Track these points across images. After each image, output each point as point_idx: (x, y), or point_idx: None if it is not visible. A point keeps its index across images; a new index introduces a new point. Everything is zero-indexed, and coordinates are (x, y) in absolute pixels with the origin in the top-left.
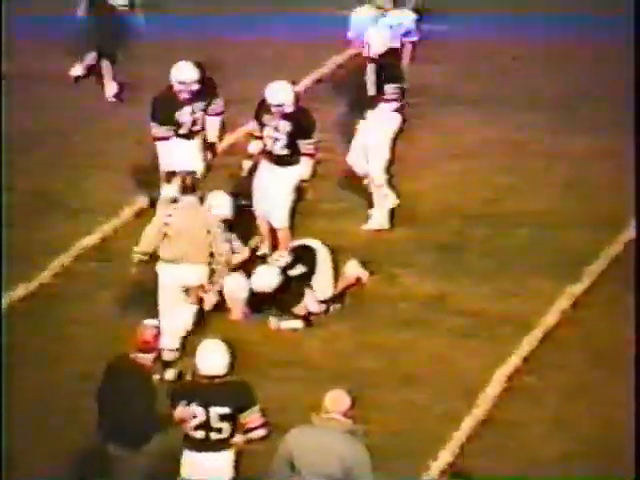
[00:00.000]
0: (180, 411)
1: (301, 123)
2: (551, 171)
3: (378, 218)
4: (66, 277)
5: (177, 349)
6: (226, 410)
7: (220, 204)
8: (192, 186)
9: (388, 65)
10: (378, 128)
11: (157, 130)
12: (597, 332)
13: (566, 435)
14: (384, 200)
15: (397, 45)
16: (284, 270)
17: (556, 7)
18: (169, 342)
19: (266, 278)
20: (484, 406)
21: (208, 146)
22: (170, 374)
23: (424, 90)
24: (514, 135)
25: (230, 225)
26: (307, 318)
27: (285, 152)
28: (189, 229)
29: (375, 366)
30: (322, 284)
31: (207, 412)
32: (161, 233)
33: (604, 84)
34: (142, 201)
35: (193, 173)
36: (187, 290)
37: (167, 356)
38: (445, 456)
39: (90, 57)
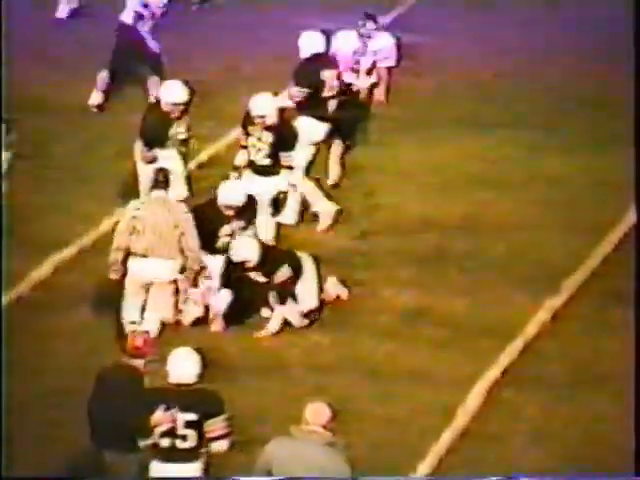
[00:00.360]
0: (158, 416)
1: (283, 135)
2: (530, 186)
3: (324, 210)
4: (45, 289)
5: (137, 322)
6: (192, 416)
7: (231, 193)
8: (165, 181)
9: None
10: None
11: (145, 154)
12: (576, 345)
13: (546, 448)
14: (317, 195)
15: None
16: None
17: (538, 22)
18: (130, 315)
19: (246, 246)
20: (463, 418)
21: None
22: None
23: (406, 103)
24: (495, 150)
25: (238, 212)
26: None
27: (267, 162)
28: (157, 223)
29: (355, 378)
30: (306, 293)
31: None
32: (130, 227)
33: (585, 102)
34: (121, 213)
35: (166, 170)
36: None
37: (128, 328)
38: (424, 469)
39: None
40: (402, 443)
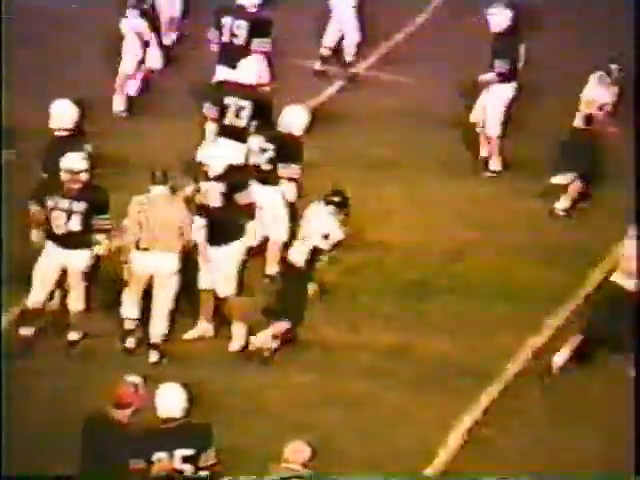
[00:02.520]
0: (160, 465)
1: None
2: (512, 227)
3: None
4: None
5: (137, 319)
6: (190, 452)
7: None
8: (163, 176)
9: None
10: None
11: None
12: (557, 384)
13: None
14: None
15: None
16: None
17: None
18: (130, 312)
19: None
20: (444, 457)
21: None
22: (130, 342)
23: (389, 142)
24: (478, 190)
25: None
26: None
27: (269, 167)
28: (160, 217)
29: (336, 416)
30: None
31: (171, 455)
32: (137, 223)
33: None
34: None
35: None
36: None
37: (127, 325)
38: None
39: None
40: None
